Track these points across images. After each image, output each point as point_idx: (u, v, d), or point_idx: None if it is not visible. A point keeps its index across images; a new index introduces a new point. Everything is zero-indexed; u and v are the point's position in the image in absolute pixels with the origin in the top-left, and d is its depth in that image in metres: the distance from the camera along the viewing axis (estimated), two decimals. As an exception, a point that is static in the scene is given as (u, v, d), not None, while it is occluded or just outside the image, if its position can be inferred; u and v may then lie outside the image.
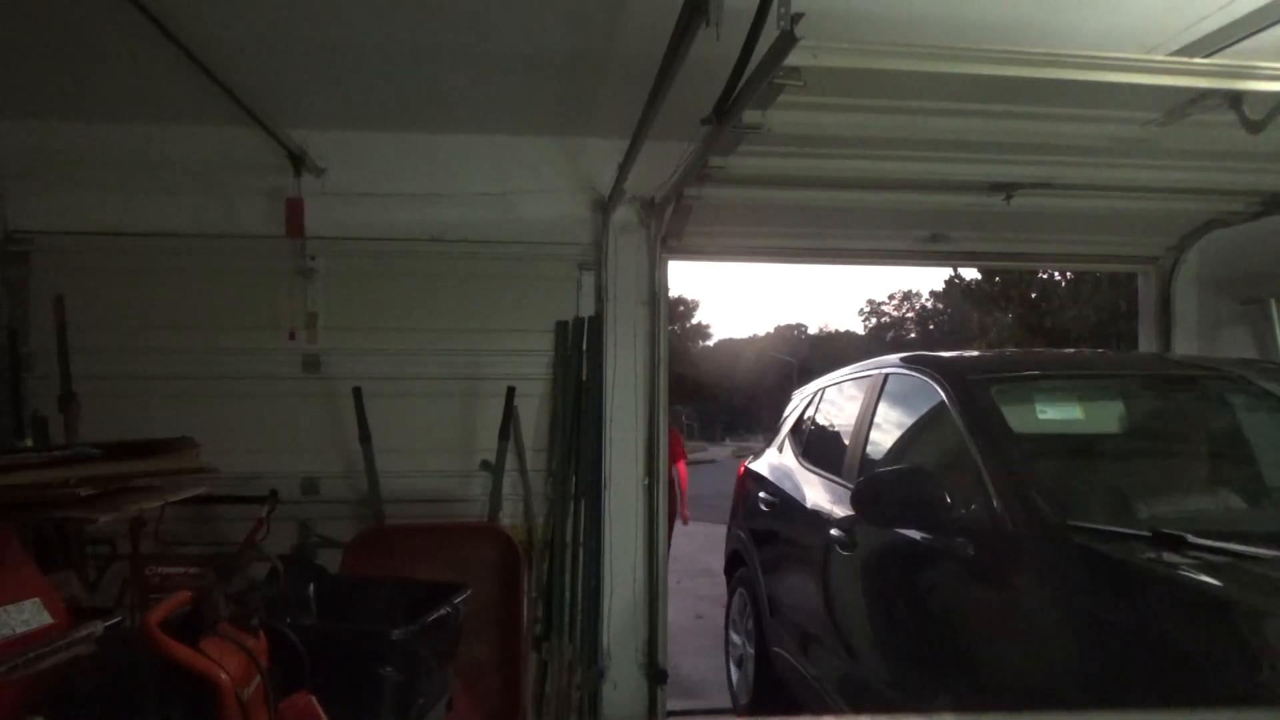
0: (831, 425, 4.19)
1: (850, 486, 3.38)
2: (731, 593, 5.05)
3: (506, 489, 4.36)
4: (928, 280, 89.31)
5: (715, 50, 2.30)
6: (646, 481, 4.55)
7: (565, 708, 4.25)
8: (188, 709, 2.06)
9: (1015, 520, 2.36)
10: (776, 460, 4.66)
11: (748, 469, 5.10)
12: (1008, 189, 3.96)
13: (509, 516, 4.39)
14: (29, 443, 3.94)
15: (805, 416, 4.60)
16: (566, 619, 4.33)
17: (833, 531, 3.36)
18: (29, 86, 3.85)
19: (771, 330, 69.01)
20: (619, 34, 3.29)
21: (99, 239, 4.24)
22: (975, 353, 3.92)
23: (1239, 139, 2.97)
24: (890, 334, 58.09)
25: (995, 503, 2.44)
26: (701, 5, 2.25)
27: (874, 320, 61.09)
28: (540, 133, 4.49)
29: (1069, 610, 2.10)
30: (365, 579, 3.65)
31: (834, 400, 4.28)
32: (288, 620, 2.55)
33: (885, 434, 3.45)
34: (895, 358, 3.64)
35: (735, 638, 4.87)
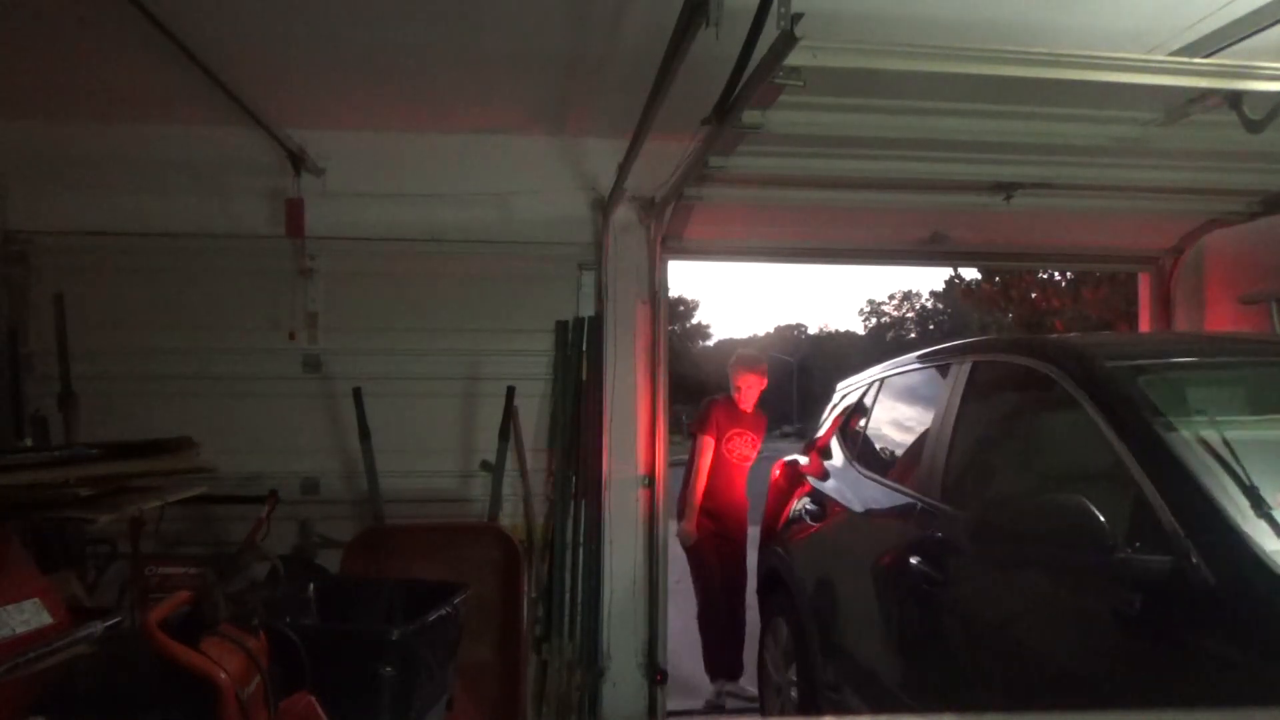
0: (897, 425, 3.59)
1: (931, 503, 2.80)
2: (766, 621, 4.29)
3: (506, 489, 4.35)
4: (928, 280, 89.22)
5: (715, 50, 2.30)
6: (647, 481, 4.54)
7: (565, 708, 4.25)
8: (188, 709, 2.06)
9: (1216, 568, 1.77)
10: (822, 464, 4.05)
11: (784, 472, 4.50)
12: (1008, 189, 3.95)
13: (509, 516, 4.38)
14: (29, 443, 3.94)
15: (857, 414, 3.93)
16: (566, 619, 4.33)
17: (912, 559, 2.72)
18: (29, 86, 3.85)
19: (771, 330, 69.07)
20: (619, 34, 3.29)
21: (99, 239, 4.24)
22: (1100, 333, 3.40)
23: (1239, 139, 2.96)
24: (890, 334, 58.10)
25: (1181, 543, 1.85)
26: (701, 5, 2.25)
27: (874, 320, 61.15)
28: (540, 133, 4.49)
29: None
30: (365, 579, 3.65)
31: (897, 395, 3.64)
32: (288, 620, 2.55)
33: (977, 439, 2.81)
34: (983, 341, 3.14)
35: (774, 679, 4.10)
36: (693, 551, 4.93)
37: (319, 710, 2.32)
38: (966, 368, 2.93)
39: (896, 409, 3.64)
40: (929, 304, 57.52)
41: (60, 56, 3.55)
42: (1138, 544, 1.93)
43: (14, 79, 3.76)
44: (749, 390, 5.01)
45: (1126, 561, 1.92)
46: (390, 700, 2.55)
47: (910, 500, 2.97)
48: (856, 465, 3.68)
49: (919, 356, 3.52)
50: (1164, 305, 4.98)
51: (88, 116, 4.21)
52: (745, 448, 5.03)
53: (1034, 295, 16.03)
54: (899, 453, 3.44)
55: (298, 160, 4.25)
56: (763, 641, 4.32)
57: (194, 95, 3.73)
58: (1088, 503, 2.00)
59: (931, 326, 54.04)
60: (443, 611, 2.83)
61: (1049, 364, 2.47)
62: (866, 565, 3.17)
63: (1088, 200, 4.13)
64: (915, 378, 3.51)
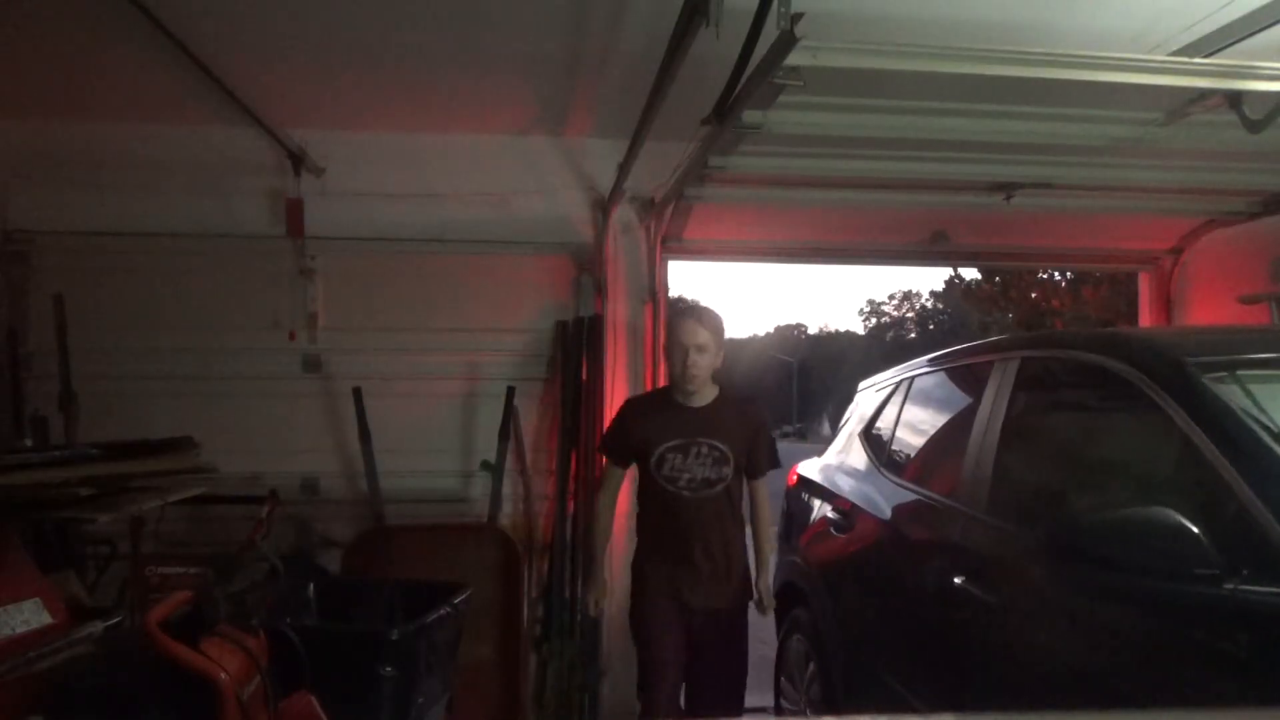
0: (931, 429, 3.26)
1: (977, 516, 2.51)
2: (784, 638, 3.90)
3: (506, 489, 4.35)
4: (928, 280, 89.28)
5: (715, 50, 2.30)
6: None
7: (565, 708, 4.24)
8: (188, 709, 2.06)
9: None
10: (844, 469, 3.73)
11: (801, 477, 4.12)
12: (1008, 189, 3.96)
13: (509, 516, 4.38)
14: (29, 443, 3.94)
15: (883, 416, 3.61)
16: (566, 619, 4.33)
17: (957, 579, 2.42)
18: (29, 86, 3.85)
19: (771, 330, 69.11)
20: (619, 34, 3.29)
21: (99, 239, 4.24)
22: (1178, 326, 2.96)
23: (1239, 139, 2.97)
24: (890, 334, 58.13)
25: None
26: (701, 5, 2.25)
27: (874, 320, 61.19)
28: (540, 133, 4.49)
29: None
30: (365, 579, 3.65)
31: (929, 394, 3.32)
32: (288, 620, 2.56)
33: (1030, 445, 2.54)
34: (1035, 335, 2.91)
35: (791, 699, 3.79)
36: (644, 639, 3.15)
37: (319, 710, 2.32)
38: (1014, 365, 2.62)
39: (929, 410, 3.32)
40: (929, 304, 57.56)
41: (60, 56, 3.55)
42: (1244, 572, 1.64)
43: (14, 79, 3.76)
44: (690, 360, 2.99)
45: (1233, 594, 1.63)
46: (390, 700, 2.55)
47: (951, 512, 2.65)
48: (884, 471, 3.35)
49: (954, 352, 3.23)
50: (1164, 305, 4.98)
51: (88, 116, 4.21)
52: (701, 465, 3.02)
53: (1034, 295, 16.05)
54: (933, 458, 3.15)
55: (298, 160, 4.25)
56: (779, 660, 3.95)
57: (194, 95, 3.73)
58: (1182, 519, 1.72)
59: (931, 326, 54.07)
60: (443, 611, 2.83)
61: (1121, 361, 2.16)
62: (899, 581, 2.89)
63: (1088, 200, 4.13)
64: (950, 376, 3.21)
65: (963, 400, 3.02)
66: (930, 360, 3.42)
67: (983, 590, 2.33)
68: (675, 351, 3.05)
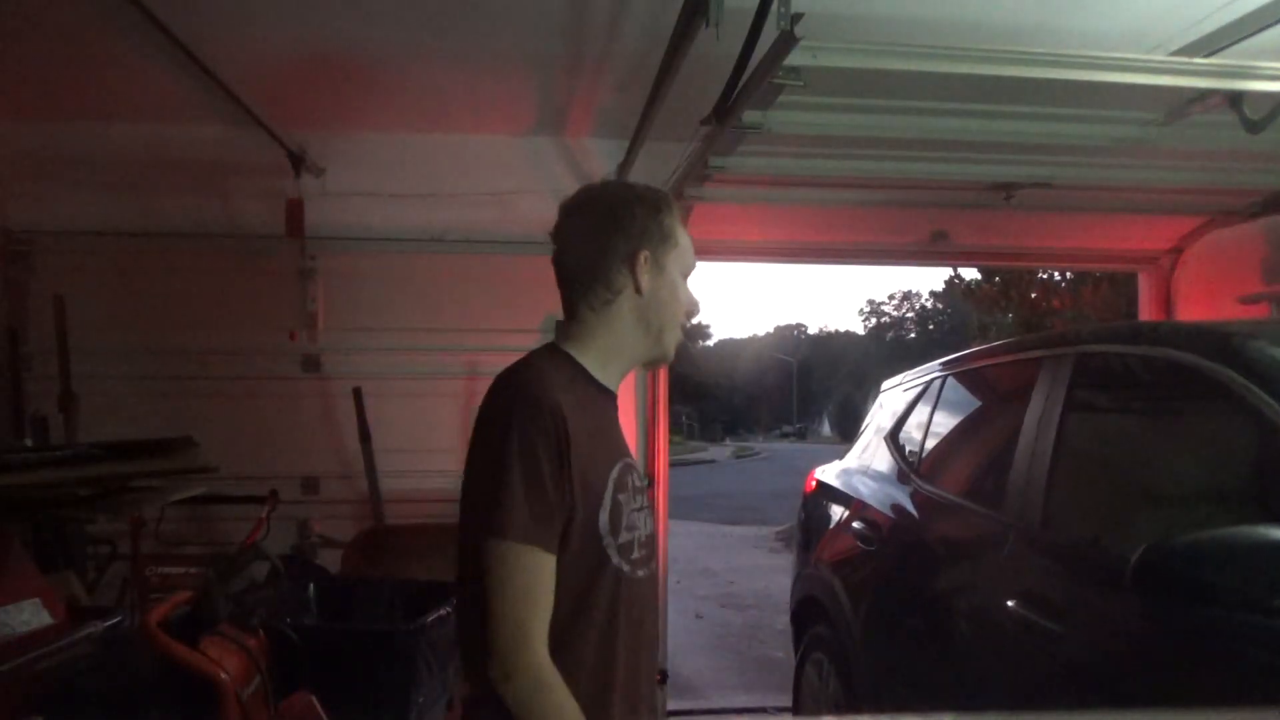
0: (969, 433, 3.02)
1: (1031, 531, 2.24)
2: (802, 656, 3.61)
3: (506, 489, 4.34)
4: (928, 280, 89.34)
5: (715, 50, 2.30)
6: (646, 481, 4.53)
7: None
8: (188, 709, 2.07)
9: None
10: (869, 474, 3.46)
11: (821, 483, 3.88)
12: (1008, 189, 3.95)
13: (509, 516, 4.37)
14: (29, 443, 3.94)
15: (912, 418, 3.33)
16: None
17: (1009, 602, 2.15)
18: (29, 86, 3.85)
19: (771, 330, 69.17)
20: (619, 34, 3.29)
21: (99, 239, 4.24)
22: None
23: (1239, 139, 2.97)
24: (890, 334, 58.19)
25: None
26: (701, 5, 2.26)
27: (874, 320, 61.26)
28: (540, 133, 4.49)
29: None
30: (365, 579, 3.65)
31: (967, 396, 3.08)
32: (288, 620, 2.56)
33: (1091, 452, 2.29)
34: (1093, 329, 2.66)
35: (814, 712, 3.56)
36: None
37: (319, 710, 2.32)
38: (1068, 363, 2.35)
39: (966, 412, 3.11)
40: (929, 304, 57.59)
41: (60, 56, 3.55)
42: None
43: (14, 79, 3.76)
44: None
45: None
46: (390, 700, 2.55)
47: (997, 525, 2.38)
48: (916, 479, 3.10)
49: (994, 348, 3.05)
50: (1163, 305, 4.98)
51: (88, 116, 4.20)
52: (642, 511, 1.58)
53: (1034, 295, 16.03)
54: (971, 465, 2.93)
55: (298, 160, 4.24)
56: (798, 679, 3.69)
57: (194, 95, 3.73)
58: None
59: (931, 327, 54.11)
60: (443, 611, 2.83)
61: (1207, 357, 1.91)
62: (937, 600, 2.64)
63: (1088, 200, 4.13)
64: (989, 374, 2.99)
65: (1006, 401, 2.76)
66: (965, 357, 3.17)
67: (1043, 616, 2.05)
68: (674, 287, 1.61)
